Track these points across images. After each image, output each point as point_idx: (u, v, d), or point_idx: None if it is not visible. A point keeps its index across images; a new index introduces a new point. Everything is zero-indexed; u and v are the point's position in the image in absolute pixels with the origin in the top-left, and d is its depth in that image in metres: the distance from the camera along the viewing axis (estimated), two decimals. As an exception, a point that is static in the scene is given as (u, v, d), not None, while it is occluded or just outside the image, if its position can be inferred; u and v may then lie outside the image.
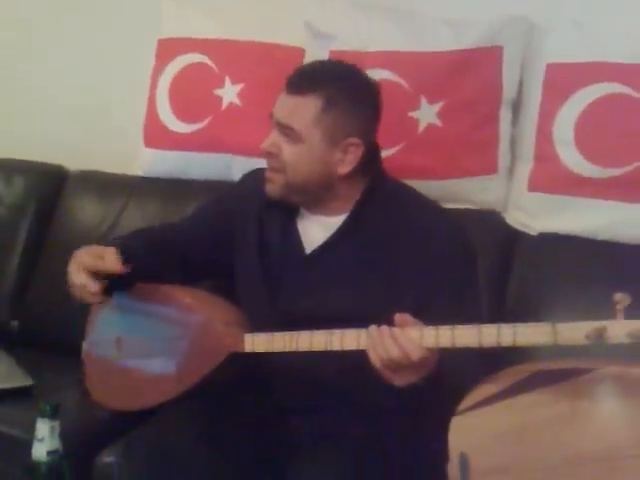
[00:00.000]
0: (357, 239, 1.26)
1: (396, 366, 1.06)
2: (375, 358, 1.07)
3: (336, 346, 1.13)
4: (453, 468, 1.06)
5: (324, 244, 1.28)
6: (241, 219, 1.35)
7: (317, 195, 1.28)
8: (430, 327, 1.06)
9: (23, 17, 2.07)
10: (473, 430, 1.08)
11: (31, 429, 1.12)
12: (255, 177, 1.40)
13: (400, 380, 1.07)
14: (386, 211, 1.27)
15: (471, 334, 1.04)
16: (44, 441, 1.06)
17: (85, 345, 1.40)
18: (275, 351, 1.18)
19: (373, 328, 1.08)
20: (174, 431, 1.23)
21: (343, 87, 1.24)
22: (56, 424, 1.07)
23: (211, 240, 1.37)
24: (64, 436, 1.09)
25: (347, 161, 1.25)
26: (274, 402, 1.25)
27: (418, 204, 1.31)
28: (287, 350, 1.17)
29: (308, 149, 1.23)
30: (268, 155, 1.26)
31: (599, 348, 0.99)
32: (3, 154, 2.00)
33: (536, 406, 1.05)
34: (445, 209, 1.38)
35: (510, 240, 1.58)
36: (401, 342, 1.05)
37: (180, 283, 1.36)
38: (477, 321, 1.21)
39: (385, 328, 1.07)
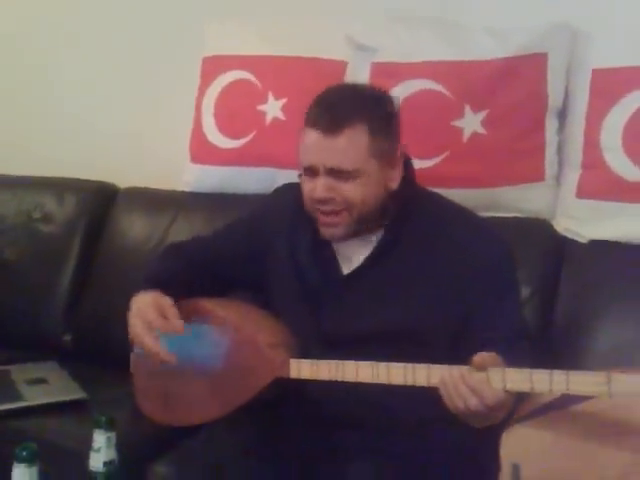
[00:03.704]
0: (396, 255, 1.25)
1: (471, 412, 1.05)
2: (452, 407, 1.06)
3: (382, 379, 1.12)
4: (505, 479, 1.05)
5: (364, 262, 1.26)
6: (273, 236, 1.35)
7: (374, 218, 1.25)
8: (483, 374, 1.04)
9: (71, 39, 2.13)
10: (525, 441, 1.07)
11: (85, 441, 1.15)
12: (286, 192, 1.40)
13: (479, 423, 1.06)
14: (423, 223, 1.26)
15: (522, 379, 1.03)
16: (101, 452, 1.09)
17: (133, 357, 1.42)
18: (320, 378, 1.18)
19: (446, 375, 1.06)
20: (223, 443, 1.24)
21: (373, 107, 1.22)
22: (112, 435, 1.09)
23: (242, 257, 1.37)
24: (118, 446, 1.11)
25: (397, 175, 1.24)
26: (320, 416, 1.24)
27: (455, 214, 1.29)
28: (332, 379, 1.16)
29: (369, 178, 1.20)
30: (324, 201, 1.21)
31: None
32: (55, 173, 2.05)
33: (588, 416, 1.04)
34: (482, 217, 1.37)
35: (559, 248, 1.56)
36: (475, 388, 1.04)
37: (212, 295, 1.36)
38: (518, 332, 1.21)
39: (458, 377, 1.05)
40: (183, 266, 1.36)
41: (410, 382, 1.10)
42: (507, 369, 1.04)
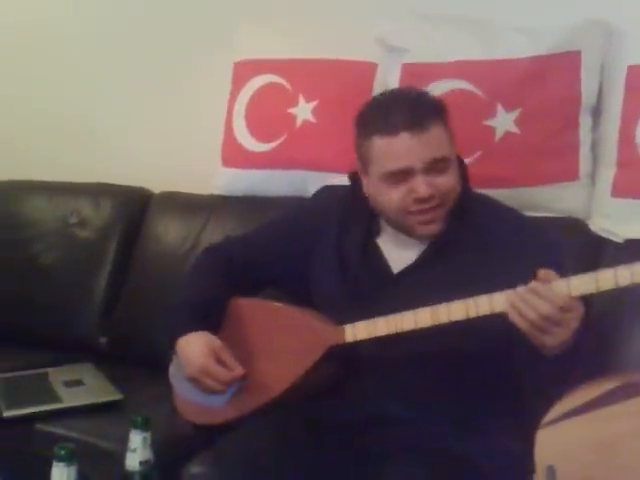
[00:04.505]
0: (449, 255, 1.25)
1: (543, 319, 1.06)
2: (522, 322, 1.07)
3: (443, 319, 1.14)
4: (540, 480, 1.04)
5: (416, 262, 1.27)
6: (317, 238, 1.36)
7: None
8: (546, 284, 1.07)
9: (105, 48, 2.16)
10: (560, 442, 1.07)
11: (121, 441, 1.16)
12: (329, 194, 1.42)
13: (552, 339, 1.07)
14: (476, 225, 1.26)
15: (588, 281, 1.05)
16: (137, 452, 1.10)
17: (172, 368, 1.43)
18: (378, 335, 1.19)
19: (512, 294, 1.09)
20: (259, 441, 1.24)
21: (439, 103, 1.28)
22: (148, 435, 1.10)
23: (283, 259, 1.38)
24: (153, 447, 1.12)
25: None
26: (365, 412, 1.25)
27: (509, 216, 1.30)
28: (391, 333, 1.18)
29: (455, 167, 1.25)
30: (427, 199, 1.22)
31: None
32: (90, 179, 2.09)
33: (624, 417, 1.04)
34: (533, 219, 1.37)
35: (595, 248, 1.54)
36: (544, 294, 1.06)
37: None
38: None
39: (523, 288, 1.08)
40: (223, 279, 1.38)
41: (473, 314, 1.12)
42: (571, 277, 1.06)
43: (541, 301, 1.06)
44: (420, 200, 1.22)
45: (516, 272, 1.18)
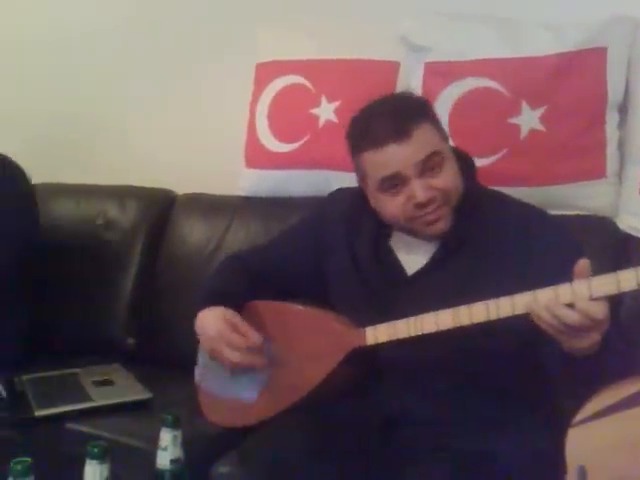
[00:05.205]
0: (460, 255, 1.24)
1: (574, 330, 1.03)
2: (546, 327, 1.05)
3: (464, 321, 1.13)
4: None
5: (429, 263, 1.26)
6: (332, 242, 1.37)
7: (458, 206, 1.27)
8: (566, 284, 1.04)
9: (130, 52, 2.18)
10: (591, 442, 1.05)
11: (151, 440, 1.17)
12: (341, 197, 1.42)
13: (582, 342, 1.04)
14: (484, 222, 1.25)
15: (609, 282, 1.02)
16: (167, 450, 1.11)
17: (197, 370, 1.44)
18: (399, 337, 1.19)
19: (531, 302, 1.06)
20: (286, 442, 1.24)
21: (421, 102, 1.29)
22: (179, 433, 1.11)
23: (302, 265, 1.39)
24: (183, 445, 1.13)
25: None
26: (386, 413, 1.25)
27: (522, 209, 1.29)
28: (412, 335, 1.17)
29: (451, 162, 1.24)
30: (427, 203, 1.21)
31: None
32: (116, 181, 2.11)
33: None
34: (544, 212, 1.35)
35: (623, 246, 1.52)
36: (581, 308, 1.01)
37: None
38: None
39: (546, 295, 1.04)
40: (243, 278, 1.40)
41: (494, 316, 1.10)
42: (592, 277, 1.03)
43: (569, 312, 1.02)
44: (421, 205, 1.21)
45: (532, 265, 1.18)
